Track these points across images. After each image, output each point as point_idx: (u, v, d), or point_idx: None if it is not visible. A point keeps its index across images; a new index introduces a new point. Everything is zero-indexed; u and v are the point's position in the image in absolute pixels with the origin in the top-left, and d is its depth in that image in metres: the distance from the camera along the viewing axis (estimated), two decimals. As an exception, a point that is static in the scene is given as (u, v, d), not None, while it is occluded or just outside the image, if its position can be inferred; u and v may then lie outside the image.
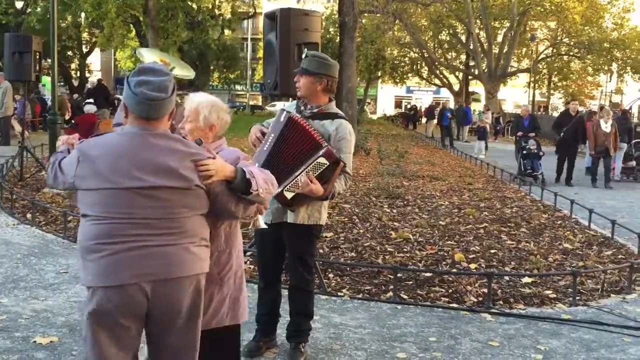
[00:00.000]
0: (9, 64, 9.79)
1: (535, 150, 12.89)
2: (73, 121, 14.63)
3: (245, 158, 2.69)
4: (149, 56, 3.86)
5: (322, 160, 3.38)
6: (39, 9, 24.32)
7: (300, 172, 3.38)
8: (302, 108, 3.61)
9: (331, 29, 35.18)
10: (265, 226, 3.00)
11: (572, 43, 36.23)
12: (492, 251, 6.54)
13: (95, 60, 47.11)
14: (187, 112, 2.74)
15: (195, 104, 2.73)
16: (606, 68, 35.44)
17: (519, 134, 13.55)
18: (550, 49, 38.36)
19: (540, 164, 12.84)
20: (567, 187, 12.03)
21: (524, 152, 12.96)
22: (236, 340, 2.94)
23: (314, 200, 3.51)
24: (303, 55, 3.69)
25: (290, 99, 5.92)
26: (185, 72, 4.01)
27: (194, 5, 23.95)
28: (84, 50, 36.32)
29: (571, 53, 37.19)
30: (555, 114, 33.94)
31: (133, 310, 2.29)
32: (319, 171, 3.40)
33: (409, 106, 48.95)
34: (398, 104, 58.85)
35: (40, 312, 4.31)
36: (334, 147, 3.48)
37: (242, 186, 2.44)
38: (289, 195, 3.41)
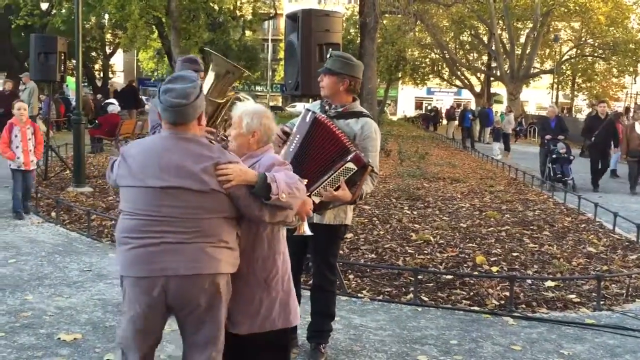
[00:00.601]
0: (34, 64, 9.95)
1: (566, 155, 12.23)
2: (97, 121, 14.78)
3: (282, 164, 2.66)
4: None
5: (351, 165, 3.33)
6: (63, 10, 24.64)
7: (328, 177, 3.32)
8: (327, 108, 3.60)
9: (352, 30, 35.16)
10: (310, 233, 2.94)
11: (596, 44, 35.74)
12: (514, 254, 6.47)
13: (118, 61, 47.68)
14: (233, 120, 2.83)
15: (239, 111, 2.77)
16: (631, 69, 34.88)
17: (547, 137, 12.67)
18: (574, 49, 37.88)
19: (570, 168, 12.24)
20: (592, 192, 11.63)
21: (554, 156, 12.26)
22: (286, 343, 2.94)
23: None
24: (327, 55, 3.69)
25: (311, 99, 5.95)
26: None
27: (216, 7, 24.12)
28: (107, 51, 36.77)
29: (595, 54, 36.68)
30: (580, 116, 33.61)
31: (150, 301, 2.45)
32: (347, 176, 3.35)
33: (429, 107, 48.70)
34: (418, 105, 58.60)
35: (64, 310, 4.36)
36: (360, 145, 3.46)
37: (263, 191, 2.47)
38: (316, 199, 3.32)
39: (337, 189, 3.34)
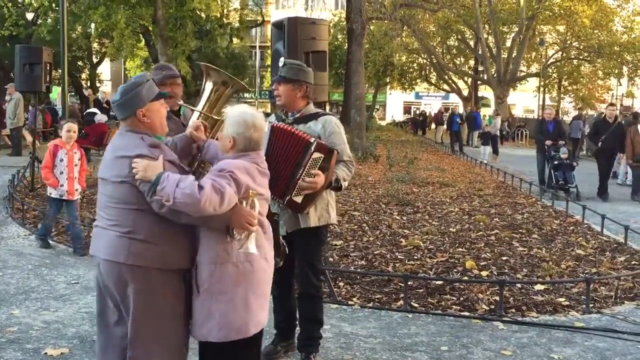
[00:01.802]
0: (20, 75, 9.87)
1: (568, 160, 11.56)
2: (83, 131, 14.65)
3: (222, 170, 2.62)
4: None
5: (317, 155, 3.46)
6: (49, 20, 24.47)
7: (301, 174, 3.43)
8: (284, 117, 3.71)
9: (339, 36, 35.28)
10: (254, 252, 2.68)
11: (581, 47, 36.03)
12: (504, 258, 6.49)
13: (105, 70, 47.47)
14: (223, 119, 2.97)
15: (227, 114, 2.86)
16: (616, 71, 35.21)
17: (547, 142, 11.85)
18: (560, 53, 38.16)
19: (573, 175, 11.52)
20: (601, 202, 10.95)
21: (555, 162, 11.55)
22: (250, 353, 2.86)
23: (321, 199, 3.62)
24: (280, 64, 3.74)
25: (312, 104, 5.94)
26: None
27: (203, 15, 24.04)
28: (94, 60, 36.55)
29: (581, 57, 36.99)
30: (566, 118, 33.81)
31: (96, 279, 2.81)
32: (318, 165, 3.48)
33: (418, 112, 48.86)
34: (407, 110, 58.76)
35: (51, 324, 4.31)
36: (327, 142, 3.56)
37: (153, 188, 2.54)
38: (298, 199, 3.48)
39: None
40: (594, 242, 7.42)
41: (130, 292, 2.63)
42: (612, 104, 13.18)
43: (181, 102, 3.96)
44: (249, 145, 2.77)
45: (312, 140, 3.45)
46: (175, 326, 2.70)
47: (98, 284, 2.77)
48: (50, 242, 6.76)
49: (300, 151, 3.43)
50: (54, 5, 21.80)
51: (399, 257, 6.42)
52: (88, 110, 15.83)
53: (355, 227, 7.75)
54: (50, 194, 6.45)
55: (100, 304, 2.80)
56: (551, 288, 5.53)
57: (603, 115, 12.86)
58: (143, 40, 26.05)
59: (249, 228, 2.65)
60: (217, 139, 3.65)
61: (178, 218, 2.59)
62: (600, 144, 11.74)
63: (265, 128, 2.84)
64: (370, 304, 5.02)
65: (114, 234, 2.65)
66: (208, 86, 3.86)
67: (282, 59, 3.88)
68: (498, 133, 21.88)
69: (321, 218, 3.66)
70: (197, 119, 3.89)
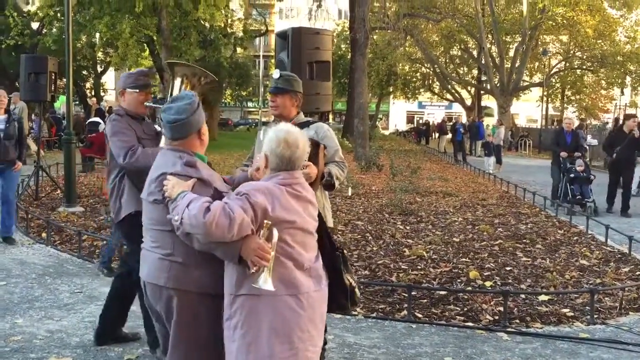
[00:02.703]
0: (25, 84, 9.93)
1: (584, 173, 11.02)
2: (87, 140, 14.66)
3: (239, 193, 2.48)
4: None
5: None
6: (54, 30, 24.63)
7: None
8: None
9: (343, 46, 35.45)
10: (268, 288, 2.41)
11: (584, 57, 36.11)
12: (508, 268, 6.47)
13: (109, 79, 47.64)
14: None
15: (267, 132, 2.70)
16: (620, 81, 35.23)
17: (563, 154, 11.24)
18: (563, 62, 38.25)
19: (590, 189, 10.97)
20: (624, 218, 10.31)
21: (571, 175, 11.00)
22: None
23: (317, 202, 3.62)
24: (275, 76, 3.80)
25: (302, 113, 5.96)
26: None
27: (207, 24, 24.15)
28: (99, 69, 36.75)
29: (584, 67, 37.05)
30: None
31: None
32: (306, 158, 3.54)
33: (421, 121, 48.94)
34: (410, 119, 58.87)
35: (55, 333, 4.31)
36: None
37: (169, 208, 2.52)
38: None
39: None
40: (598, 252, 7.40)
41: (172, 313, 2.64)
42: (632, 116, 12.25)
43: (149, 103, 4.00)
44: (281, 163, 2.56)
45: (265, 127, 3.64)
46: (211, 350, 2.63)
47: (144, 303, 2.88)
48: (54, 250, 6.78)
49: None
50: (59, 15, 21.94)
51: (402, 267, 6.41)
52: (91, 120, 15.84)
53: (359, 236, 7.74)
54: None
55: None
56: (555, 299, 5.51)
57: (620, 125, 12.15)
58: (147, 49, 26.21)
59: (260, 262, 2.39)
60: None
61: (190, 242, 2.49)
62: (615, 155, 11.13)
63: (303, 145, 2.64)
64: (374, 314, 5.01)
65: (156, 256, 2.66)
66: (177, 82, 3.89)
67: (276, 71, 3.92)
68: (502, 143, 21.83)
69: None
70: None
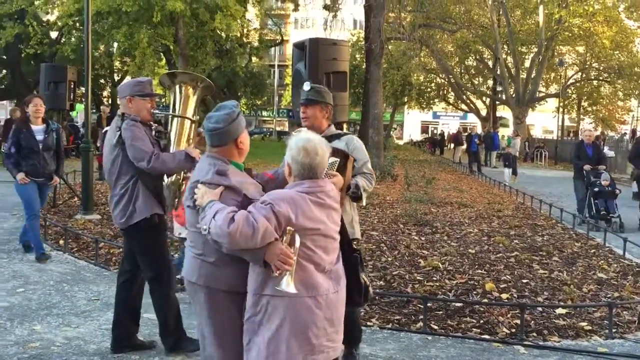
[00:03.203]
0: (44, 93, 10.07)
1: (610, 188, 10.59)
2: (102, 149, 14.77)
3: (263, 202, 2.57)
4: None
5: (332, 159, 3.56)
6: (73, 39, 25.01)
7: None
8: None
9: (357, 56, 35.51)
10: (291, 291, 2.53)
11: (601, 68, 35.88)
12: (524, 281, 6.42)
13: (126, 87, 48.10)
14: None
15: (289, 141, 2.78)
16: (637, 92, 34.95)
17: (586, 167, 10.79)
18: (580, 73, 38.03)
19: (616, 204, 10.54)
20: None
21: (595, 189, 10.58)
22: None
23: (345, 214, 3.66)
24: (306, 88, 3.91)
25: (333, 125, 6.00)
26: None
27: (223, 34, 24.39)
28: (116, 78, 37.18)
29: (601, 78, 36.82)
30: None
31: None
32: (334, 169, 3.59)
33: (436, 131, 48.85)
34: (425, 130, 58.79)
35: (72, 340, 4.35)
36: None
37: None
38: None
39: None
40: (615, 265, 7.32)
41: (204, 309, 2.79)
42: None
43: (154, 110, 4.08)
44: (302, 171, 2.63)
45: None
46: (238, 345, 2.70)
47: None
48: (71, 257, 6.83)
49: None
50: (77, 24, 22.28)
51: (417, 278, 6.39)
52: (107, 129, 16.02)
53: (374, 247, 7.73)
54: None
55: None
56: (573, 312, 5.45)
57: None
58: (164, 59, 26.49)
59: (283, 267, 2.49)
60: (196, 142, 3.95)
61: (219, 246, 2.59)
62: None
63: (322, 153, 2.68)
64: (389, 325, 4.99)
65: (191, 254, 2.84)
66: (176, 88, 3.99)
67: (307, 84, 4.02)
68: (517, 154, 21.72)
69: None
70: (177, 123, 4.04)
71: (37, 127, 6.51)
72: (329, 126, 3.93)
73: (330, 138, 3.80)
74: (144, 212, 3.91)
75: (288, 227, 2.50)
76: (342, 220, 2.78)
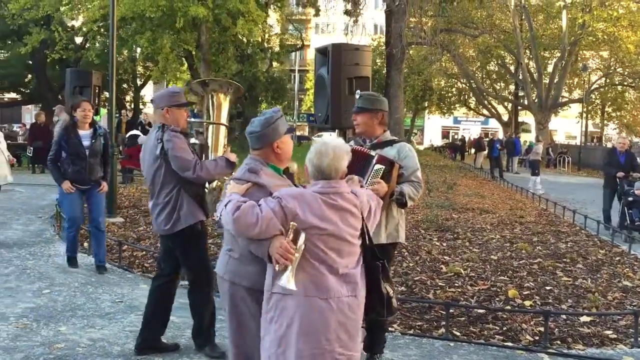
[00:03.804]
0: (69, 98, 10.20)
1: None
2: (126, 153, 14.92)
3: (276, 197, 2.66)
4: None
5: (378, 166, 3.70)
6: (97, 44, 25.36)
7: (365, 182, 3.59)
8: (362, 143, 4.00)
9: (378, 61, 35.46)
10: (290, 287, 2.55)
11: (626, 73, 35.38)
12: (548, 288, 6.35)
13: (148, 92, 48.63)
14: None
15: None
16: (663, 98, 34.42)
17: (619, 174, 10.35)
18: (603, 78, 37.53)
19: None
20: None
21: (629, 198, 10.13)
22: None
23: (391, 218, 3.87)
24: (356, 96, 4.07)
25: (338, 131, 6.01)
26: None
27: (244, 39, 24.54)
28: (138, 83, 37.58)
29: (625, 83, 36.31)
30: (610, 146, 33.06)
31: None
32: (380, 175, 3.71)
33: (457, 137, 48.58)
34: (445, 135, 58.47)
35: (97, 341, 4.40)
36: (403, 167, 3.83)
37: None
38: None
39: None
40: (641, 273, 7.21)
41: (225, 301, 2.93)
42: None
43: (189, 119, 4.18)
44: (317, 172, 2.70)
45: (373, 154, 3.71)
46: (259, 341, 2.76)
47: None
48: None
49: (363, 164, 3.66)
50: (102, 30, 22.58)
51: (439, 284, 6.35)
52: (131, 133, 16.18)
53: (395, 252, 7.68)
54: None
55: None
56: (598, 320, 5.38)
57: None
58: (186, 64, 26.73)
59: (282, 260, 2.54)
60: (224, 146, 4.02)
61: (236, 238, 2.77)
62: None
63: (335, 154, 2.70)
64: (411, 331, 4.97)
65: (222, 250, 3.01)
66: (208, 98, 4.08)
67: (357, 92, 4.20)
68: (539, 159, 21.45)
69: (390, 236, 3.90)
70: (213, 130, 4.11)
71: (84, 132, 6.25)
72: (384, 132, 4.03)
73: (383, 144, 3.97)
74: (189, 219, 4.02)
75: (291, 223, 2.55)
76: (365, 227, 2.76)
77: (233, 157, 4.07)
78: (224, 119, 4.29)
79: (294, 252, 2.53)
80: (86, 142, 6.21)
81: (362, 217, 2.73)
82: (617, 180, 10.44)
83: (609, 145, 35.64)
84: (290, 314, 2.58)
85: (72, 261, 6.56)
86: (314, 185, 2.69)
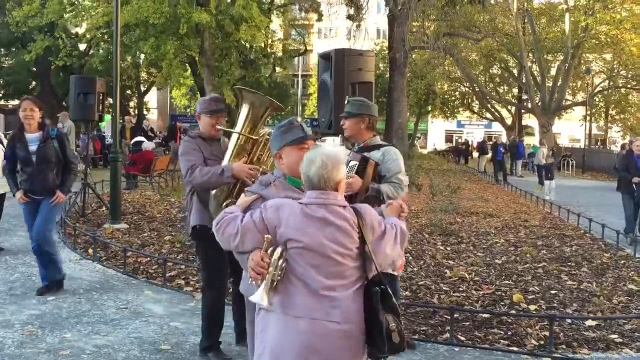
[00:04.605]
0: (74, 104, 10.25)
1: None
2: (130, 159, 14.94)
3: (263, 207, 2.54)
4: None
5: (352, 163, 3.90)
6: (101, 51, 25.47)
7: None
8: (350, 146, 4.21)
9: (381, 65, 35.48)
10: (259, 302, 2.43)
11: (629, 75, 35.30)
12: (552, 292, 6.34)
13: (152, 98, 48.77)
14: None
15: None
16: (667, 100, 34.31)
17: (635, 179, 9.80)
18: (607, 81, 37.46)
19: None
20: None
21: None
22: None
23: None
24: (346, 102, 4.23)
25: (341, 136, 6.03)
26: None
27: (248, 45, 24.61)
28: (142, 89, 37.69)
29: (629, 85, 36.21)
30: (614, 148, 32.97)
31: None
32: (354, 170, 3.90)
33: (461, 140, 48.53)
34: (449, 139, 58.42)
35: (101, 348, 4.41)
36: (384, 167, 4.01)
37: None
38: None
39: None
40: (647, 276, 7.18)
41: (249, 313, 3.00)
42: None
43: (220, 127, 4.17)
44: (306, 182, 2.53)
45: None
46: None
47: None
48: (100, 266, 6.92)
49: None
50: (106, 36, 22.68)
51: (444, 288, 6.35)
52: (135, 139, 16.24)
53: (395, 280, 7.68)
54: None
55: None
56: (603, 324, 5.36)
57: None
58: (189, 69, 26.81)
59: (252, 274, 2.42)
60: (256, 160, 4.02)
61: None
62: None
63: (324, 164, 2.51)
64: (416, 336, 4.96)
65: None
66: (244, 108, 4.06)
67: (347, 97, 4.42)
68: (542, 163, 21.41)
69: None
70: (238, 140, 4.09)
71: (32, 136, 5.51)
72: (373, 136, 4.18)
73: (370, 148, 4.14)
74: (194, 221, 4.15)
75: (266, 236, 2.41)
76: (367, 249, 2.48)
77: (238, 167, 3.89)
78: (251, 131, 4.11)
79: (267, 267, 2.39)
80: (33, 147, 5.47)
81: (362, 237, 2.46)
82: (634, 186, 9.93)
83: (613, 148, 35.56)
84: (267, 331, 2.47)
85: (41, 290, 5.72)
86: (305, 196, 2.52)
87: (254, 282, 2.44)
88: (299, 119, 2.98)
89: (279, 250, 2.40)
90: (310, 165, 2.48)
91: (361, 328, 2.45)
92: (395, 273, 4.38)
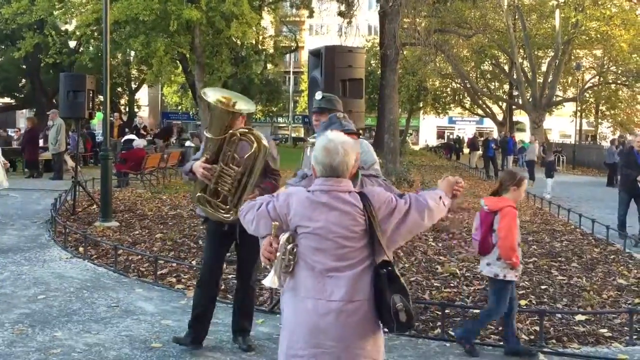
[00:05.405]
0: (64, 102, 10.18)
1: None
2: (120, 157, 14.86)
3: (275, 194, 2.73)
4: (212, 94, 4.23)
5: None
6: (91, 48, 25.32)
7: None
8: None
9: (372, 62, 35.53)
10: (271, 285, 2.61)
11: (619, 71, 35.50)
12: (543, 287, 6.37)
13: (143, 95, 48.58)
14: None
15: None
16: (656, 96, 34.52)
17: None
18: (597, 77, 37.66)
19: None
20: None
21: None
22: None
23: None
24: (318, 97, 4.30)
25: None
26: (245, 105, 4.25)
27: (238, 42, 24.53)
28: (133, 86, 37.53)
29: (619, 81, 36.42)
30: (605, 144, 33.15)
31: None
32: None
33: (452, 136, 48.66)
34: (440, 135, 58.56)
35: (92, 346, 4.40)
36: (362, 161, 3.92)
37: None
38: None
39: None
40: (636, 271, 7.23)
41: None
42: None
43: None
44: (325, 171, 2.59)
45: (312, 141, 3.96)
46: None
47: None
48: (90, 264, 6.90)
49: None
50: (95, 34, 22.55)
51: (435, 284, 6.37)
52: (126, 137, 16.18)
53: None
54: (505, 276, 4.60)
55: None
56: (593, 319, 5.40)
57: None
58: (180, 66, 26.71)
59: (262, 259, 2.61)
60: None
61: None
62: None
63: (346, 152, 2.59)
64: (407, 332, 4.97)
65: None
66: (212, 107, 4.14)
67: (319, 93, 4.38)
68: (535, 159, 21.50)
69: None
70: (206, 140, 4.17)
71: None
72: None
73: None
74: (200, 212, 4.37)
75: (273, 222, 2.56)
76: (374, 229, 2.54)
77: (194, 166, 4.10)
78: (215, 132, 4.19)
79: (275, 251, 2.53)
80: None
81: (369, 218, 2.53)
82: (638, 183, 9.50)
83: (603, 143, 35.73)
84: (286, 312, 2.64)
85: None
86: (315, 183, 2.61)
87: (263, 265, 2.68)
88: (340, 114, 3.13)
89: (285, 235, 2.53)
90: (333, 155, 2.56)
91: (370, 305, 2.54)
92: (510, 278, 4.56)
